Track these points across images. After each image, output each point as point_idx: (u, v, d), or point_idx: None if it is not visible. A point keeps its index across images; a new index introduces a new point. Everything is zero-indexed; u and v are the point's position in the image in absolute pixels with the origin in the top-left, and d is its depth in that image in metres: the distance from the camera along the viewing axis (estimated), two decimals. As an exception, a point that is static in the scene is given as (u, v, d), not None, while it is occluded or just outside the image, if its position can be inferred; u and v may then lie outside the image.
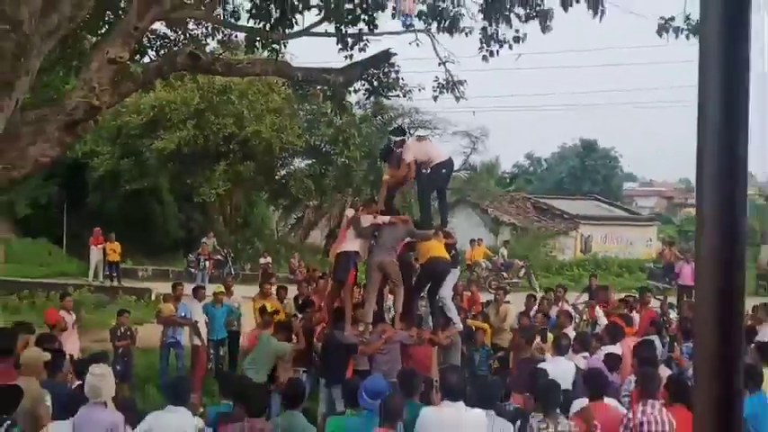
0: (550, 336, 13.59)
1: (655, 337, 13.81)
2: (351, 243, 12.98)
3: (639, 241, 48.49)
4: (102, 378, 7.95)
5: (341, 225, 15.19)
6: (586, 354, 11.77)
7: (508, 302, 17.76)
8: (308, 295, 15.93)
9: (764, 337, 13.16)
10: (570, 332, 13.54)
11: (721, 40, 1.76)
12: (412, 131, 35.10)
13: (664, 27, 15.48)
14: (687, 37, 15.36)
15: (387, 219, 12.89)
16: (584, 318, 18.53)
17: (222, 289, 18.34)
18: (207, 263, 32.99)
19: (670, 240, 38.79)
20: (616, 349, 11.97)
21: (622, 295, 20.02)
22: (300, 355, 13.62)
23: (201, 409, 10.36)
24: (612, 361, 10.98)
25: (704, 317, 1.79)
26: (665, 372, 10.35)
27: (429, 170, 13.70)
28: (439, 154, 14.32)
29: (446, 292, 13.58)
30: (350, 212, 13.89)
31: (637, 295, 18.72)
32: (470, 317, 16.23)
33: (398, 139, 14.29)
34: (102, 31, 15.39)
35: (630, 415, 8.30)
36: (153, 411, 8.78)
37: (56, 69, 17.02)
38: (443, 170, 13.96)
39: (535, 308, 16.95)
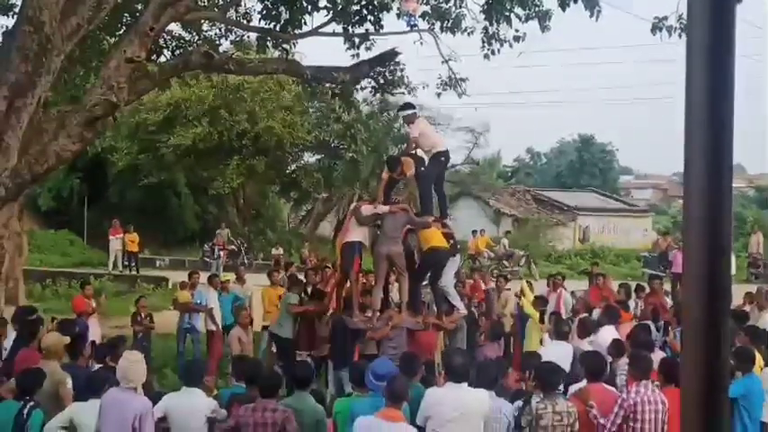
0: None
1: (650, 322, 14.01)
2: (354, 233, 13.12)
3: (635, 231, 48.86)
4: (135, 364, 8.03)
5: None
6: (592, 338, 11.96)
7: (509, 290, 18.28)
8: (315, 283, 16.02)
9: (766, 322, 13.43)
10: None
11: (707, 38, 1.79)
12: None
13: (657, 26, 15.79)
14: (680, 35, 15.58)
15: (386, 208, 12.96)
16: (578, 299, 18.82)
17: (228, 278, 18.95)
18: (221, 253, 33.59)
19: (664, 230, 39.36)
20: (614, 331, 12.28)
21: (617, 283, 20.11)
22: (306, 340, 14.07)
23: (216, 392, 10.31)
24: (617, 348, 10.94)
25: (691, 300, 1.81)
26: (659, 355, 10.45)
27: (429, 158, 13.71)
28: (440, 141, 14.50)
29: (447, 279, 13.62)
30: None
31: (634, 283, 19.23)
32: (474, 305, 16.43)
33: (410, 111, 14.40)
34: (120, 33, 15.68)
35: (625, 395, 8.45)
36: (169, 393, 9.11)
37: (76, 69, 17.15)
38: (442, 158, 13.94)
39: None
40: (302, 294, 15.05)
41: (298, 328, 14.50)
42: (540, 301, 15.54)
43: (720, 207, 1.80)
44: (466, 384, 8.17)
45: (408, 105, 15.08)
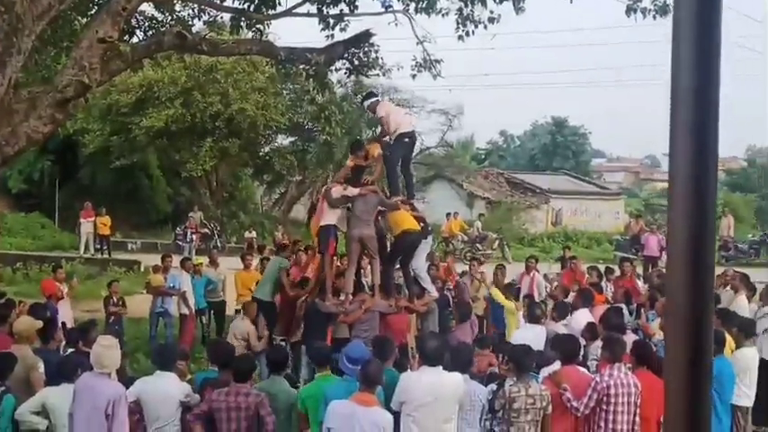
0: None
1: (622, 305, 14.09)
2: (328, 216, 13.03)
3: (607, 214, 49.34)
4: (108, 349, 7.95)
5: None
6: (567, 321, 12.03)
7: (483, 273, 18.35)
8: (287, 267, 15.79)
9: (740, 305, 13.45)
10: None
11: (694, 18, 1.78)
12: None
13: (632, 8, 15.79)
14: (654, 17, 15.74)
15: (356, 190, 12.87)
16: (555, 286, 19.01)
17: (201, 261, 18.91)
18: (194, 236, 33.47)
19: (636, 213, 39.62)
20: (588, 314, 12.35)
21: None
22: (283, 325, 13.96)
23: (189, 376, 10.26)
24: (591, 331, 10.96)
25: (675, 284, 1.81)
26: (631, 338, 10.55)
27: (393, 140, 13.64)
28: (405, 121, 14.24)
29: (419, 263, 13.63)
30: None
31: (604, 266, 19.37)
32: (447, 288, 16.39)
33: (372, 100, 14.44)
34: (92, 12, 15.52)
35: (598, 378, 8.51)
36: (142, 377, 9.06)
37: (47, 49, 16.95)
38: (406, 139, 13.84)
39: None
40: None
41: (276, 291, 14.48)
42: (509, 288, 15.61)
43: (705, 193, 1.80)
44: (441, 368, 8.18)
45: (370, 94, 15.22)
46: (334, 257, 13.84)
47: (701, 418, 1.83)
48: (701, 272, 1.81)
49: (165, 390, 8.42)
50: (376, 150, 13.52)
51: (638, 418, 8.50)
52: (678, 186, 1.82)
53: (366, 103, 14.82)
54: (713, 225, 1.84)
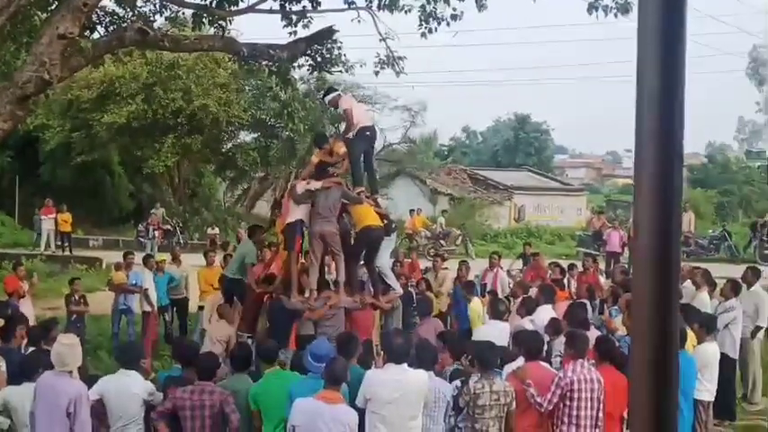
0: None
1: (586, 301, 14.18)
2: (294, 213, 12.97)
3: (570, 210, 49.58)
4: (70, 348, 7.90)
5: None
6: (533, 317, 12.00)
7: (446, 269, 18.40)
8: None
9: (701, 300, 13.51)
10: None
11: (659, 20, 1.79)
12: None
13: (593, 5, 15.82)
14: (615, 15, 15.82)
15: (319, 184, 12.80)
16: (516, 282, 19.04)
17: (164, 258, 18.83)
18: (156, 233, 33.28)
19: (598, 210, 39.87)
20: (551, 310, 12.37)
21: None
22: (248, 322, 13.77)
23: (153, 375, 10.32)
24: (554, 326, 10.98)
25: (641, 281, 1.83)
26: (594, 334, 10.49)
27: (354, 134, 13.54)
28: (366, 116, 14.37)
29: (383, 260, 13.61)
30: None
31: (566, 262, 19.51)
32: (411, 284, 16.36)
33: (333, 95, 14.34)
34: (52, 8, 15.21)
35: (562, 374, 8.55)
36: (104, 376, 8.99)
37: (7, 45, 16.89)
38: (368, 133, 13.80)
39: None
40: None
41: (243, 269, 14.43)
42: (469, 285, 15.63)
43: (671, 191, 1.81)
44: (406, 365, 8.19)
45: (331, 89, 15.15)
46: (300, 254, 13.79)
47: (667, 414, 1.84)
48: (666, 270, 1.82)
49: (128, 388, 8.36)
50: (341, 149, 13.47)
51: (601, 414, 8.54)
52: (644, 185, 1.83)
53: (327, 98, 14.70)
54: (679, 224, 1.86)
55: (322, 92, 16.26)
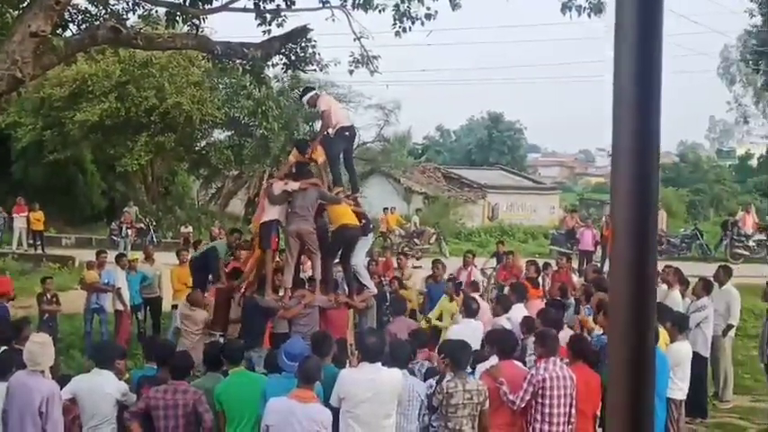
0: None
1: (563, 300, 14.28)
2: (269, 212, 12.97)
3: (543, 209, 49.60)
4: (42, 347, 7.94)
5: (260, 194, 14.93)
6: (510, 315, 12.00)
7: (420, 267, 18.43)
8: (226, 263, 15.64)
9: (673, 299, 13.61)
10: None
11: (636, 22, 1.78)
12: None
13: (567, 5, 15.93)
14: (589, 15, 15.90)
15: (297, 185, 12.79)
16: (492, 282, 19.06)
17: (136, 257, 18.77)
18: (129, 231, 33.15)
19: (571, 208, 40.10)
20: (523, 308, 12.42)
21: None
22: (219, 320, 13.71)
23: (127, 375, 9.96)
24: (527, 325, 11.01)
25: (618, 282, 1.84)
26: (567, 333, 10.65)
27: (334, 134, 13.66)
28: (344, 116, 14.40)
29: (358, 259, 13.62)
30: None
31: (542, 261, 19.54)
32: (386, 283, 16.36)
33: (311, 94, 14.39)
34: (24, 6, 14.99)
35: (534, 372, 8.59)
36: (78, 375, 9.01)
37: None
38: (347, 133, 13.95)
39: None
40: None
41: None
42: (453, 282, 15.68)
43: (648, 187, 1.82)
44: (380, 364, 8.20)
45: (308, 89, 15.17)
46: (276, 253, 13.76)
47: (644, 412, 1.85)
48: (643, 271, 1.82)
49: (101, 388, 8.32)
50: (321, 157, 13.57)
51: (573, 411, 8.61)
52: (620, 186, 1.83)
53: (305, 98, 14.71)
54: (655, 225, 1.86)
55: (298, 90, 16.24)
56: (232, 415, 8.28)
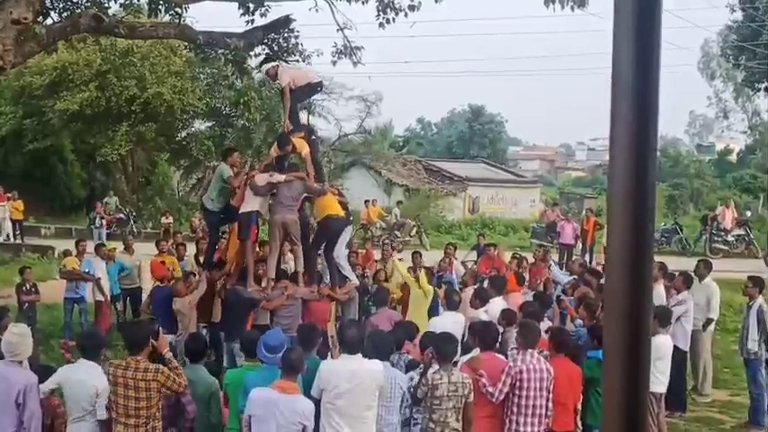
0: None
1: (544, 292, 14.42)
2: (250, 203, 12.91)
3: (523, 202, 49.79)
4: (21, 337, 7.83)
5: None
6: (487, 308, 12.00)
7: (401, 260, 18.38)
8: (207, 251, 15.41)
9: (657, 293, 13.37)
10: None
11: (634, 17, 1.78)
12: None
13: (551, -2, 15.75)
14: (572, 8, 15.87)
15: (282, 177, 12.79)
16: (465, 273, 19.12)
17: (114, 246, 18.68)
18: (103, 221, 33.12)
19: (552, 202, 40.31)
20: (502, 301, 12.40)
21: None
22: (203, 311, 13.54)
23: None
24: (507, 317, 10.93)
25: (615, 267, 1.83)
26: (547, 325, 10.74)
27: (305, 88, 13.90)
28: (312, 74, 14.59)
29: (340, 251, 13.62)
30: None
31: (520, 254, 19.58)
32: (368, 275, 16.31)
33: (271, 64, 14.32)
34: None
35: (511, 363, 8.62)
36: (59, 365, 8.94)
37: None
38: (318, 88, 14.44)
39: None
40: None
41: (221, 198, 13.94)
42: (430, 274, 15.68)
43: (645, 187, 1.83)
44: (360, 356, 8.20)
45: (268, 58, 15.08)
46: (256, 244, 13.77)
47: (639, 402, 1.85)
48: (640, 265, 1.82)
49: (88, 379, 8.11)
50: (304, 149, 13.51)
51: (551, 403, 8.65)
52: (617, 181, 1.84)
53: (264, 68, 14.70)
54: (652, 219, 1.87)
55: (261, 60, 15.83)
56: (237, 406, 8.22)
